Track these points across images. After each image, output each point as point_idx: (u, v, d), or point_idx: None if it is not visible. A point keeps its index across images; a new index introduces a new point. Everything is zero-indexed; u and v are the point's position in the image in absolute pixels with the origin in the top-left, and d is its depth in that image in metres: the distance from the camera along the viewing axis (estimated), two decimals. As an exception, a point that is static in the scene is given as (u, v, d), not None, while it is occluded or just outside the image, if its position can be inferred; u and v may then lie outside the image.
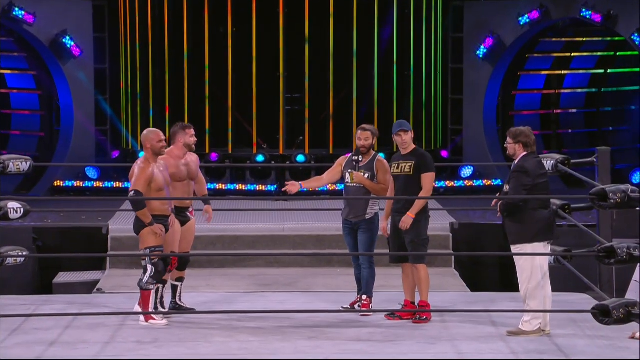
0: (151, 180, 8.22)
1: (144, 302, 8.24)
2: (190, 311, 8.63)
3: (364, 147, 8.68)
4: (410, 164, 8.42)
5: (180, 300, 8.67)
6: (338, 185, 14.56)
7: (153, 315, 8.19)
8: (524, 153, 7.88)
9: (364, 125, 8.81)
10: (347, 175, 8.70)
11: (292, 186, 8.66)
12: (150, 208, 8.21)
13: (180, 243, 8.58)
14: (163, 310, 8.44)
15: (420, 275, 8.42)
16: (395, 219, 8.47)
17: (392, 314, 8.40)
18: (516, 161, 7.89)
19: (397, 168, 8.48)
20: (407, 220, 8.34)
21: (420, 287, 8.43)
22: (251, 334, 7.97)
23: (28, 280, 11.49)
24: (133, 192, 8.21)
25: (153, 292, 8.28)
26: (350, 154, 8.78)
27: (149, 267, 8.24)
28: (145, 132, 8.44)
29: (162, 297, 8.52)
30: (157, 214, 8.26)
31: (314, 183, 8.91)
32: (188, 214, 8.66)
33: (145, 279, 8.24)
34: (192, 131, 8.64)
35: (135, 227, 8.29)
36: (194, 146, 8.65)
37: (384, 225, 8.60)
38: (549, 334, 7.86)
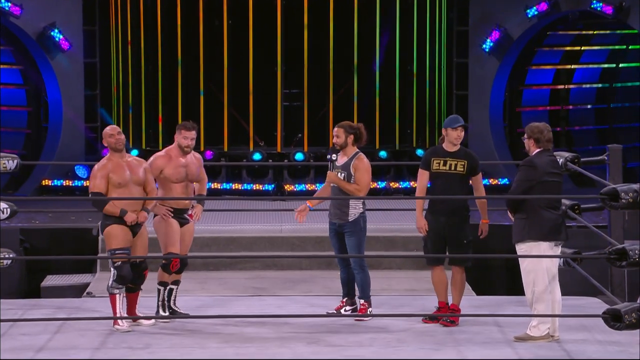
0: (108, 176, 8.25)
1: (111, 305, 8.27)
2: (184, 316, 8.62)
3: (336, 145, 8.69)
4: (463, 163, 8.41)
5: (174, 304, 8.68)
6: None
7: (118, 321, 8.20)
8: (538, 150, 7.91)
9: (340, 122, 8.81)
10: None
11: (303, 211, 8.74)
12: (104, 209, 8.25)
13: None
14: (164, 313, 8.47)
15: (457, 278, 8.44)
16: (439, 219, 8.42)
17: (429, 318, 8.38)
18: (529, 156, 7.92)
19: (445, 165, 8.44)
20: (486, 228, 8.40)
21: (455, 290, 8.45)
22: (248, 340, 7.97)
23: (15, 283, 11.49)
24: (91, 194, 8.30)
25: (119, 297, 8.27)
26: (330, 150, 8.81)
27: (112, 270, 8.27)
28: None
29: (164, 299, 8.53)
30: (110, 215, 8.28)
31: (320, 194, 8.92)
32: (187, 216, 8.65)
33: (110, 282, 8.28)
34: (188, 133, 8.59)
35: (101, 228, 8.38)
36: (186, 149, 8.62)
37: (421, 224, 8.48)
38: (558, 340, 7.86)
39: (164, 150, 8.69)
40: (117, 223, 8.26)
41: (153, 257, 8.33)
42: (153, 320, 8.37)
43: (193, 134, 8.64)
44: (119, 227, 8.26)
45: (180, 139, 8.63)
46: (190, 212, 8.68)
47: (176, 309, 8.66)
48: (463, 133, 8.51)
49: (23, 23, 15.20)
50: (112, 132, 8.44)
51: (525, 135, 7.97)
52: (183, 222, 8.62)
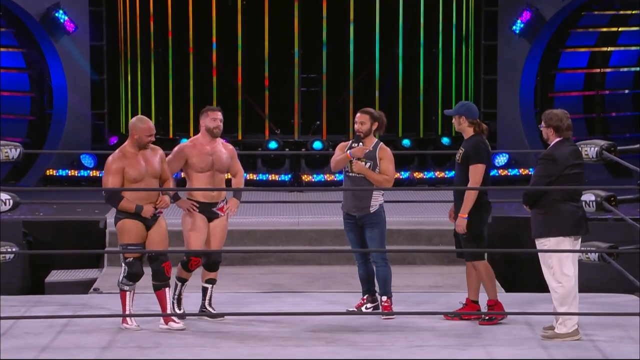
0: (123, 171, 8.23)
1: (121, 302, 8.31)
2: (196, 313, 8.64)
3: (360, 132, 8.68)
4: (461, 152, 8.50)
5: (210, 304, 8.68)
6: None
7: (127, 319, 8.23)
8: (558, 139, 7.92)
9: (365, 108, 8.82)
10: (348, 164, 8.70)
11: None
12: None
13: (210, 242, 8.59)
14: (177, 310, 8.51)
15: (480, 273, 8.46)
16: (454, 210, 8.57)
17: (484, 319, 8.40)
18: (549, 147, 7.93)
19: (457, 153, 8.57)
20: (461, 223, 8.40)
21: (484, 286, 8.49)
22: (263, 339, 7.99)
23: (17, 279, 11.55)
24: (104, 191, 8.28)
25: (129, 295, 8.29)
26: (351, 140, 8.78)
27: (123, 266, 8.30)
28: (134, 120, 8.45)
29: (179, 295, 8.57)
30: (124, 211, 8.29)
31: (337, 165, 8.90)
32: (216, 210, 8.63)
33: (120, 278, 8.31)
34: (216, 114, 8.60)
35: (115, 221, 8.38)
36: (215, 131, 8.60)
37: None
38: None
39: (189, 140, 8.71)
40: (130, 217, 8.28)
41: (164, 251, 8.35)
42: (182, 324, 8.35)
43: (220, 114, 8.65)
44: (132, 221, 8.27)
45: (208, 121, 8.62)
46: (221, 206, 8.65)
47: (210, 309, 8.65)
48: (455, 122, 8.57)
49: (25, 3, 15.23)
50: (152, 132, 8.35)
51: (543, 124, 7.97)
52: (212, 217, 8.61)
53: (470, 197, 8.36)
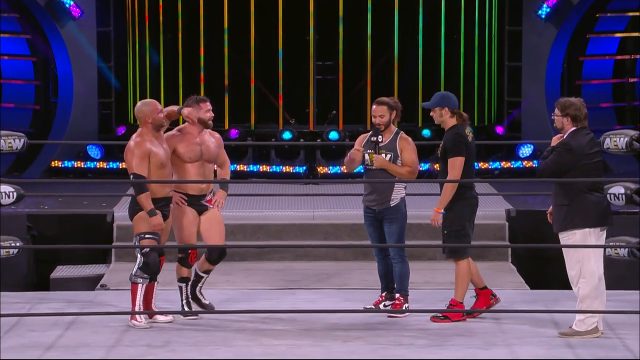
0: (150, 155, 8.28)
1: (131, 296, 8.33)
2: (208, 311, 8.67)
3: (381, 125, 8.67)
4: (440, 145, 8.52)
5: (200, 292, 8.73)
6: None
7: (136, 316, 8.26)
8: (574, 128, 7.96)
9: (380, 98, 8.79)
10: (367, 157, 8.69)
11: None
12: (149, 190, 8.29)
13: (209, 235, 8.62)
14: (190, 309, 8.55)
15: (456, 271, 8.49)
16: None
17: (437, 316, 8.42)
18: (564, 136, 7.94)
19: (438, 148, 8.60)
20: (435, 217, 8.39)
21: (455, 284, 8.49)
22: (277, 337, 8.01)
23: (21, 275, 11.60)
24: (132, 175, 8.29)
25: (140, 287, 8.31)
26: (370, 132, 8.77)
27: (139, 257, 8.33)
28: (139, 106, 8.47)
29: (187, 295, 8.61)
30: (157, 197, 8.32)
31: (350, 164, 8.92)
32: (205, 202, 8.68)
33: (134, 270, 8.33)
34: (208, 105, 8.68)
35: (130, 212, 8.37)
36: (210, 122, 8.68)
37: None
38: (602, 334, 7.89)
39: (175, 129, 8.73)
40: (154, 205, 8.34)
41: (173, 246, 8.38)
42: (170, 317, 8.42)
43: (210, 104, 8.70)
44: (157, 219, 8.30)
45: (202, 113, 8.65)
46: (209, 198, 8.71)
47: (201, 298, 8.70)
48: (435, 114, 8.57)
49: (30, -12, 15.30)
50: (160, 107, 8.41)
51: (558, 112, 8.00)
52: (202, 210, 8.66)
53: (447, 192, 8.35)
